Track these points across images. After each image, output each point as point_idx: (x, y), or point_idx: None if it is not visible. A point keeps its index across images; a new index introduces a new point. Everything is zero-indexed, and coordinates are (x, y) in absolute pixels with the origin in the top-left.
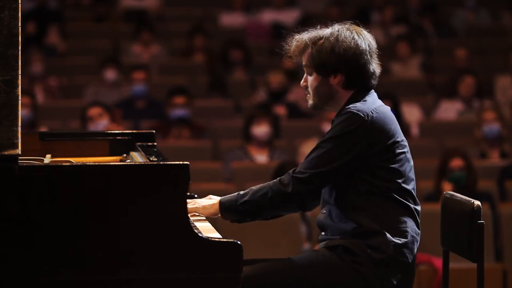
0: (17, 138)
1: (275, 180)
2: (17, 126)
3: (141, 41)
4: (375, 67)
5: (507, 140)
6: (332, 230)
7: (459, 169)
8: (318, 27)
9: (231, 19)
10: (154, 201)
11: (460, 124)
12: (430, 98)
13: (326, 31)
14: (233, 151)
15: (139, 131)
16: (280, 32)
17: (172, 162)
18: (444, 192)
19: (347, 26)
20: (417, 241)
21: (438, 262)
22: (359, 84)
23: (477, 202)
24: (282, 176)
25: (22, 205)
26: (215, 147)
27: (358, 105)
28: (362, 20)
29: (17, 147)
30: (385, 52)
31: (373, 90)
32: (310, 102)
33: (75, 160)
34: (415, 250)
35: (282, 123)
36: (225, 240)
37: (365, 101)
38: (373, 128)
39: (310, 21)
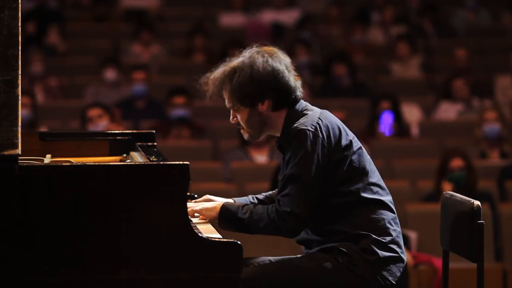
0: (17, 138)
1: (272, 209)
2: (17, 126)
3: (141, 41)
4: (294, 81)
5: (507, 140)
6: (318, 243)
7: (459, 169)
8: (228, 59)
9: (231, 19)
10: (154, 201)
11: (460, 124)
12: (430, 98)
13: (238, 62)
14: (233, 151)
15: (139, 131)
16: (280, 32)
17: (172, 162)
18: (444, 192)
19: (257, 50)
20: (399, 229)
21: (438, 262)
22: (287, 102)
23: (477, 202)
24: (277, 207)
25: (22, 205)
26: (215, 147)
27: (302, 121)
28: (362, 20)
29: (17, 147)
30: (385, 52)
31: (301, 101)
32: (246, 135)
33: (75, 160)
34: (401, 240)
35: None
36: (225, 240)
37: (306, 115)
38: (324, 136)
39: (310, 21)
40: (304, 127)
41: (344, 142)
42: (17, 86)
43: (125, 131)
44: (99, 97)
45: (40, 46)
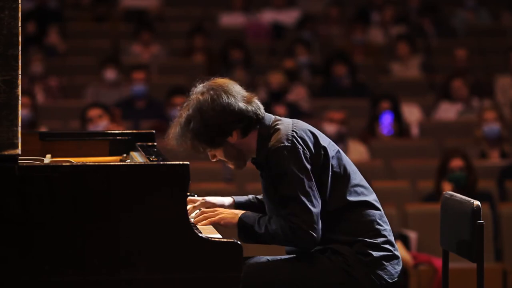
0: (17, 138)
1: (285, 226)
2: (17, 126)
3: (141, 41)
4: (248, 104)
5: (507, 140)
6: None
7: (459, 169)
8: (180, 108)
9: (231, 19)
10: (154, 201)
11: (460, 124)
12: (430, 98)
13: (188, 111)
14: None
15: (139, 131)
16: (280, 32)
17: (172, 162)
18: (444, 192)
19: (200, 90)
20: (389, 227)
21: (438, 262)
22: (253, 125)
23: (477, 202)
24: (290, 225)
25: (22, 205)
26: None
27: (275, 137)
28: (362, 20)
29: (17, 147)
30: (385, 52)
31: (267, 115)
32: (232, 167)
33: (75, 160)
34: (393, 237)
35: None
36: (225, 240)
37: (278, 130)
38: (303, 145)
39: (310, 21)
40: (280, 144)
41: (322, 148)
42: (17, 86)
43: (125, 131)
44: (99, 97)
45: (40, 46)
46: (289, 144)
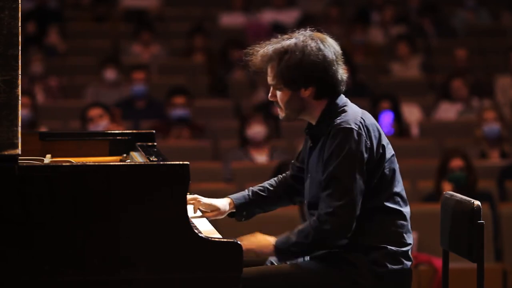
0: (17, 138)
1: (316, 227)
2: (17, 126)
3: (141, 41)
4: (342, 73)
5: (507, 140)
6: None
7: (459, 169)
8: (280, 36)
9: (231, 19)
10: (154, 201)
11: (460, 124)
12: (430, 98)
13: (291, 43)
14: (233, 151)
15: (139, 131)
16: (280, 32)
17: (172, 162)
18: (444, 192)
19: (310, 35)
20: (411, 242)
21: (438, 262)
22: (330, 93)
23: (477, 202)
24: (319, 219)
25: (22, 205)
26: (215, 147)
27: (344, 117)
28: (362, 20)
29: (17, 147)
30: (385, 52)
31: (342, 95)
32: (282, 115)
33: (75, 160)
34: (410, 253)
35: (282, 123)
36: (225, 240)
37: (346, 112)
38: (367, 136)
39: (310, 21)
40: (348, 125)
41: (382, 146)
42: (17, 86)
43: (125, 131)
44: (99, 97)
45: (40, 46)
46: (356, 128)
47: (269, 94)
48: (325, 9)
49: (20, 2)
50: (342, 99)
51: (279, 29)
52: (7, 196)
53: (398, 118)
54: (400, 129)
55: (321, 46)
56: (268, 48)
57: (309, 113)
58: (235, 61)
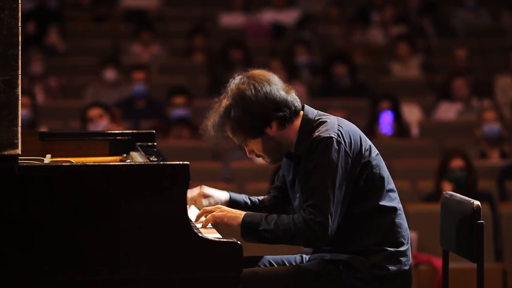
0: (17, 138)
1: (298, 219)
2: (17, 126)
3: (141, 41)
4: (290, 94)
5: (507, 140)
6: (329, 251)
7: (459, 169)
8: (217, 99)
9: (231, 19)
10: (154, 201)
11: (460, 124)
12: (430, 98)
13: (228, 99)
14: (233, 151)
15: (139, 131)
16: (280, 32)
17: (172, 162)
18: (444, 192)
19: (241, 80)
20: (408, 235)
21: (438, 262)
22: (292, 116)
23: (477, 202)
24: (305, 216)
25: (22, 205)
26: (215, 147)
27: (322, 128)
28: (362, 20)
29: (17, 147)
30: (385, 52)
31: (308, 108)
32: (268, 161)
33: (75, 160)
34: (410, 251)
35: None
36: (225, 240)
37: (323, 123)
38: (347, 143)
39: (310, 21)
40: (327, 135)
41: (365, 149)
42: (17, 86)
43: (125, 131)
44: (99, 97)
45: (40, 46)
46: (335, 137)
47: (247, 153)
48: (325, 9)
49: (20, 2)
50: (312, 112)
51: (279, 29)
52: (7, 196)
53: (398, 118)
54: (400, 129)
55: (256, 86)
56: (213, 116)
57: (289, 143)
58: (235, 61)
